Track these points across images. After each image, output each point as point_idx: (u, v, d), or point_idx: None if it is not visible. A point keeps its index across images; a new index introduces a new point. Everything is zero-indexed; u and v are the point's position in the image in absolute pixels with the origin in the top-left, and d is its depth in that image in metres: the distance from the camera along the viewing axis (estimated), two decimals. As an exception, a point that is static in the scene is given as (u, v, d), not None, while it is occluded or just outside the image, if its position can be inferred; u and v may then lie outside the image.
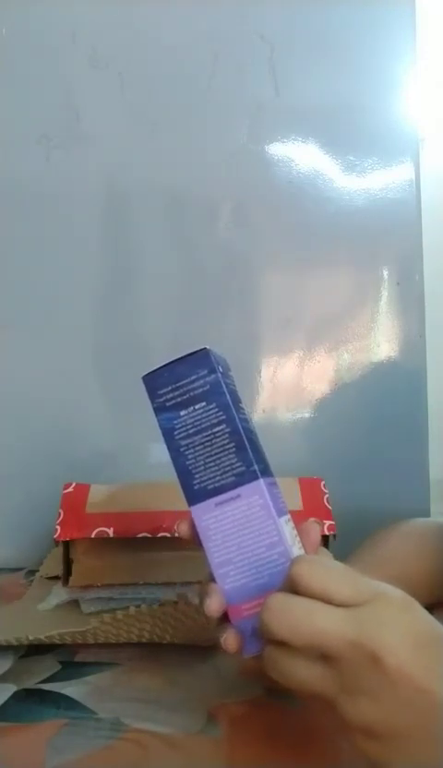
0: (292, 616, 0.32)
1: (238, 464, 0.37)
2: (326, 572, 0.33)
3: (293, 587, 0.33)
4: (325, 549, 0.44)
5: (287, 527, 0.38)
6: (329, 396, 0.83)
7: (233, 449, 0.38)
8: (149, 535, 0.58)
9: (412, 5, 0.83)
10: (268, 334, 0.85)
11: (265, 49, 0.82)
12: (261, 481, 0.37)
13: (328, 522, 0.59)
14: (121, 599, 0.58)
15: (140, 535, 0.58)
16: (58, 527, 0.59)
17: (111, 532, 0.58)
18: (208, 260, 0.84)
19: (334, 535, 0.59)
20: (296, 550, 0.38)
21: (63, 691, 0.46)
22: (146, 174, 0.82)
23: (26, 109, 0.82)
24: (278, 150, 0.83)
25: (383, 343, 0.84)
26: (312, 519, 0.44)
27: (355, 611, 0.32)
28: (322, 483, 0.63)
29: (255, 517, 0.37)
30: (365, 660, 0.31)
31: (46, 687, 0.47)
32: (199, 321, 0.83)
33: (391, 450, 0.83)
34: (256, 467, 0.37)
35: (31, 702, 0.45)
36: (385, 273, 0.84)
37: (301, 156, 0.83)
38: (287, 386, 0.83)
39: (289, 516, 0.39)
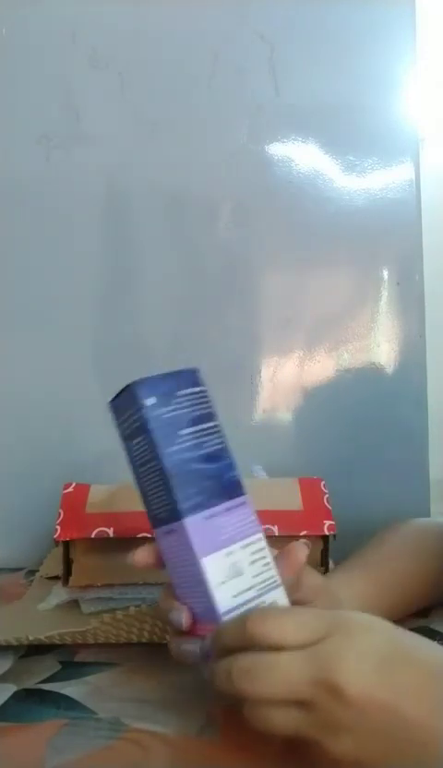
0: (257, 674, 0.33)
1: (166, 502, 0.38)
2: (280, 623, 0.34)
3: (254, 645, 0.34)
4: (310, 568, 0.44)
5: (227, 560, 0.37)
6: (329, 396, 0.83)
7: (162, 486, 0.37)
8: (150, 536, 0.58)
9: (412, 5, 0.83)
10: (268, 334, 0.85)
11: (265, 49, 0.82)
12: (184, 521, 0.36)
13: (328, 522, 0.59)
14: (121, 599, 0.58)
15: (140, 535, 0.58)
16: (58, 527, 0.59)
17: (111, 532, 0.58)
18: (208, 260, 0.84)
19: (334, 535, 0.59)
20: (249, 579, 0.37)
21: (63, 691, 0.46)
22: (146, 174, 0.82)
23: (26, 109, 0.82)
24: (278, 150, 0.83)
25: (383, 343, 0.84)
26: (302, 540, 0.43)
27: (313, 650, 0.33)
28: (322, 483, 0.63)
29: (184, 553, 0.37)
30: (330, 695, 0.31)
31: (46, 687, 0.47)
32: (199, 321, 0.83)
33: (391, 450, 0.83)
34: (180, 506, 0.37)
35: (31, 702, 0.45)
36: (385, 273, 0.84)
37: (301, 156, 0.83)
38: (287, 386, 0.83)
39: (247, 541, 0.38)
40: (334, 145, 0.83)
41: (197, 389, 0.40)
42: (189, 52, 0.82)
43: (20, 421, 0.81)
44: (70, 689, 0.47)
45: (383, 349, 0.84)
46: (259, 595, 0.37)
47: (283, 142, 0.83)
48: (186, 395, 0.39)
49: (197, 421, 0.39)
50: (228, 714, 0.42)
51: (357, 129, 0.84)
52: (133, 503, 0.61)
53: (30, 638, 0.50)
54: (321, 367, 0.84)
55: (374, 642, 0.33)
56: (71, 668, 0.50)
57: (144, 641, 0.51)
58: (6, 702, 0.45)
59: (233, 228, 0.83)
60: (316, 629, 0.33)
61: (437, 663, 0.33)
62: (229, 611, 0.36)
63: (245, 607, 0.37)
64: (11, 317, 0.82)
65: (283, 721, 0.33)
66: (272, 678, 0.33)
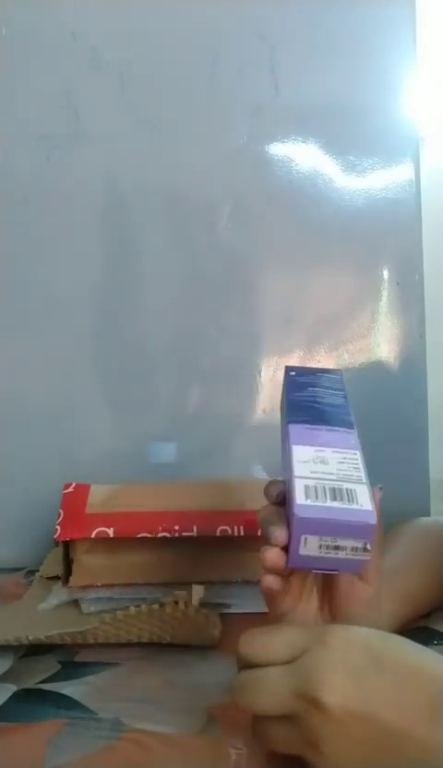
0: (248, 689, 0.35)
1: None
2: (265, 643, 0.36)
3: (250, 664, 0.36)
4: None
5: (315, 453, 0.42)
6: (329, 396, 0.83)
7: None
8: (149, 535, 0.58)
9: (412, 5, 0.83)
10: (268, 334, 0.85)
11: (265, 49, 0.82)
12: (289, 426, 0.44)
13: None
14: (121, 599, 0.58)
15: (140, 535, 0.58)
16: (58, 527, 0.59)
17: (111, 532, 0.58)
18: (208, 260, 0.84)
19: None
20: (333, 468, 0.41)
21: (63, 691, 0.46)
22: (146, 174, 0.82)
23: (26, 109, 0.82)
24: (278, 149, 0.83)
25: (383, 343, 0.84)
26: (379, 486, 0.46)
27: (295, 664, 0.34)
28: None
29: (287, 447, 0.43)
30: (311, 707, 0.32)
31: (46, 687, 0.47)
32: (199, 321, 0.83)
33: (391, 449, 0.83)
34: (288, 419, 0.45)
35: (31, 701, 0.45)
36: (385, 273, 0.84)
37: (301, 156, 0.83)
38: (287, 386, 0.83)
39: (342, 450, 0.42)
40: (334, 145, 0.83)
41: (335, 375, 0.50)
42: (189, 52, 0.82)
43: (20, 421, 0.81)
44: (70, 689, 0.47)
45: (383, 349, 0.84)
46: (339, 480, 0.39)
47: (283, 142, 0.83)
48: (324, 375, 0.50)
49: (327, 388, 0.48)
50: (229, 714, 0.42)
51: (357, 129, 0.84)
52: (133, 503, 0.61)
53: (30, 638, 0.50)
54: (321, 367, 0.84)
55: (351, 654, 0.34)
56: (71, 668, 0.50)
57: (144, 641, 0.51)
58: (6, 702, 0.45)
59: (232, 228, 0.83)
60: (297, 644, 0.35)
61: (414, 670, 0.33)
62: (302, 477, 0.39)
63: (320, 481, 0.39)
64: (11, 317, 0.82)
65: (276, 736, 0.35)
66: (260, 691, 0.35)
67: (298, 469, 0.40)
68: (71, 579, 0.59)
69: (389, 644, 0.35)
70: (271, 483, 0.43)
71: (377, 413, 0.83)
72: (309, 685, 0.33)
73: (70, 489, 0.63)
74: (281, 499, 0.42)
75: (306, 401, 0.47)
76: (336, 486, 0.39)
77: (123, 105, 0.82)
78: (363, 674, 0.33)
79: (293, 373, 0.50)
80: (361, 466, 0.41)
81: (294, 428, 0.44)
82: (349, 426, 0.45)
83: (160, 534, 0.58)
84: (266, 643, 0.36)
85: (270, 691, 0.34)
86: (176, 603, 0.50)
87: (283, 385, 0.50)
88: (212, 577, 0.61)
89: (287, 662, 0.35)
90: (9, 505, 0.81)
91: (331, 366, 0.84)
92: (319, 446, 0.42)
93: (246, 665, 0.36)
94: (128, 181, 0.82)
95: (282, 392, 0.50)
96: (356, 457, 0.42)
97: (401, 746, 0.31)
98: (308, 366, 0.53)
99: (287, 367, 0.51)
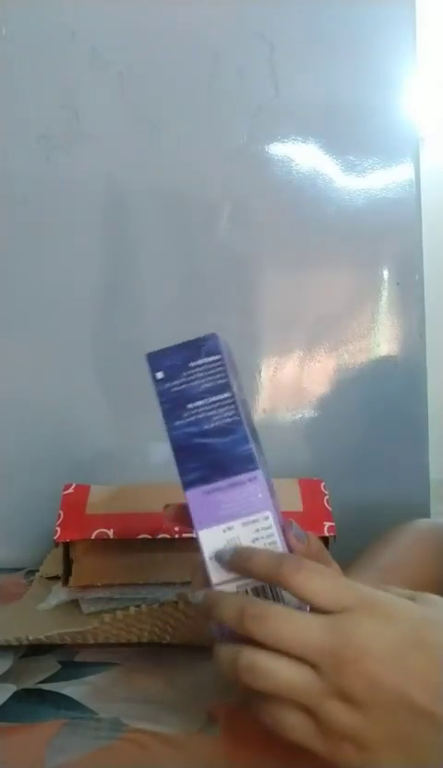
0: (269, 620, 0.33)
1: (178, 472, 0.39)
2: (307, 577, 0.33)
3: (282, 585, 0.34)
4: (335, 565, 0.44)
5: (224, 535, 0.37)
6: (329, 396, 0.83)
7: (173, 456, 0.38)
8: (150, 537, 0.58)
9: (412, 5, 0.83)
10: (268, 334, 0.85)
11: (265, 49, 0.82)
12: (186, 494, 0.38)
13: (328, 524, 0.59)
14: (121, 599, 0.58)
15: (141, 536, 0.58)
16: (58, 528, 0.59)
17: (111, 533, 0.58)
18: (208, 260, 0.84)
19: (334, 537, 0.59)
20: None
21: (63, 691, 0.46)
22: (146, 174, 0.82)
23: (26, 109, 0.82)
24: (278, 149, 0.83)
25: (383, 343, 0.84)
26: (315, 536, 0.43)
27: (333, 619, 0.32)
28: (322, 484, 0.63)
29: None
30: (345, 667, 0.31)
31: (46, 687, 0.47)
32: (199, 321, 0.83)
33: (391, 450, 0.83)
34: (183, 480, 0.38)
35: (31, 701, 0.45)
36: (385, 273, 0.84)
37: (301, 156, 0.83)
38: (287, 386, 0.83)
39: (251, 518, 0.38)
40: (334, 145, 0.83)
41: (212, 358, 0.40)
42: (189, 52, 0.82)
43: (20, 421, 0.81)
44: (70, 689, 0.47)
45: (383, 349, 0.84)
46: None
47: (283, 142, 0.83)
48: (199, 366, 0.40)
49: (208, 393, 0.39)
50: (229, 714, 0.42)
51: (357, 129, 0.84)
52: (133, 504, 0.61)
53: (30, 638, 0.50)
54: (321, 367, 0.84)
55: (392, 626, 0.33)
56: (71, 668, 0.50)
57: (144, 641, 0.51)
58: (6, 702, 0.45)
59: (232, 228, 0.83)
60: (340, 598, 0.33)
61: None
62: (220, 584, 0.37)
63: (240, 582, 0.37)
64: (11, 317, 0.82)
65: (287, 675, 0.32)
66: (285, 628, 0.32)
67: (214, 573, 0.37)
68: (71, 579, 0.59)
69: (435, 627, 0.33)
70: (166, 509, 0.41)
71: (377, 413, 0.83)
72: (349, 646, 0.31)
73: (70, 490, 0.63)
74: (179, 515, 0.39)
75: (190, 434, 0.38)
76: (259, 585, 0.36)
77: (123, 105, 0.82)
78: (400, 648, 0.32)
79: (161, 375, 0.40)
80: (275, 533, 0.37)
81: (193, 497, 0.38)
82: (249, 462, 0.38)
83: (160, 536, 0.58)
84: (310, 579, 0.33)
85: (297, 632, 0.32)
86: (176, 603, 0.50)
87: (156, 392, 0.40)
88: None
89: (322, 610, 0.33)
90: (9, 505, 0.81)
91: (331, 367, 0.84)
92: (226, 521, 0.37)
93: (276, 583, 0.34)
94: (128, 181, 0.82)
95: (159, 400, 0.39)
96: (268, 520, 0.37)
97: (427, 724, 0.31)
98: (176, 345, 0.40)
99: (149, 358, 0.40)
